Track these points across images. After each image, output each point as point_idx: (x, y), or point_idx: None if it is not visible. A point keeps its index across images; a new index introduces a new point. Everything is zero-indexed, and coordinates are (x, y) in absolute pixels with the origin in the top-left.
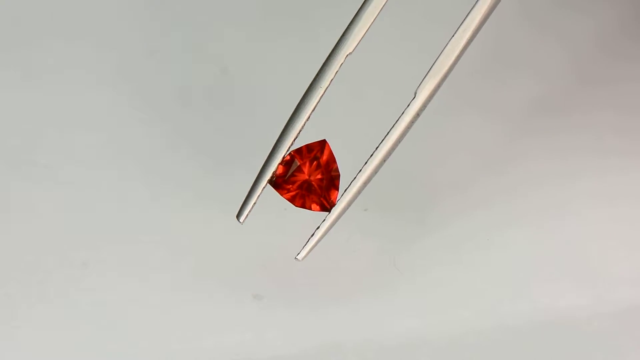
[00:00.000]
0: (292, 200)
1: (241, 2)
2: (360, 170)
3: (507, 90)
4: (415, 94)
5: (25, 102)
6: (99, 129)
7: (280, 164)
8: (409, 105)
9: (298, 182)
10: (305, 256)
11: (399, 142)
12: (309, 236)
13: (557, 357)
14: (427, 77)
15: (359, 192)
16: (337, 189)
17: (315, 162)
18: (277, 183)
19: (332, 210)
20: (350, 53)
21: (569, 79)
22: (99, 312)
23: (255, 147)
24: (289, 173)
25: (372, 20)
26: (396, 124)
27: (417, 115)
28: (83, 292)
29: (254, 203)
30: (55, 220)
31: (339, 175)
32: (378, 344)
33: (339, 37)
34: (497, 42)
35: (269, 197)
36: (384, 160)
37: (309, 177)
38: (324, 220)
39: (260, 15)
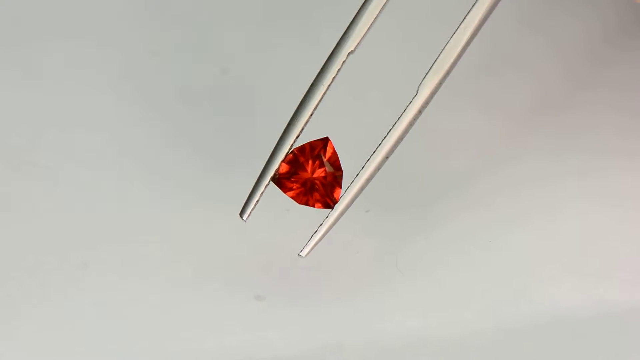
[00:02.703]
0: (295, 197)
1: (242, 2)
2: (363, 168)
3: (510, 90)
4: (417, 90)
5: (25, 102)
6: (100, 129)
7: (283, 161)
8: (411, 102)
9: (301, 180)
10: (308, 253)
11: (402, 139)
12: (312, 233)
13: (558, 358)
14: (429, 74)
15: (361, 189)
16: (340, 187)
17: (318, 160)
18: (280, 181)
19: (335, 207)
20: (352, 51)
21: (572, 79)
22: (99, 312)
23: (255, 147)
24: (292, 171)
25: (374, 18)
26: (399, 121)
27: (420, 112)
28: (83, 292)
29: (257, 200)
30: (56, 220)
31: (342, 173)
32: (379, 344)
33: (341, 35)
34: (501, 42)
35: (270, 198)
36: (386, 157)
37: (311, 175)
38: (327, 217)
39: (261, 15)
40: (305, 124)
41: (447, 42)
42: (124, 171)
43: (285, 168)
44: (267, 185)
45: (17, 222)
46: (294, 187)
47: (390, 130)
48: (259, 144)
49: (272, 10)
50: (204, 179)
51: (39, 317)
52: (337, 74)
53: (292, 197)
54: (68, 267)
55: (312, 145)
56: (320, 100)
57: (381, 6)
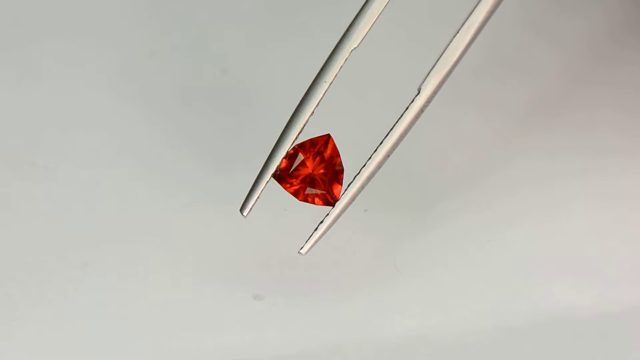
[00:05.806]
0: (295, 194)
1: (242, 2)
2: (364, 166)
3: (508, 89)
4: (420, 89)
5: (25, 102)
6: (99, 129)
7: (284, 158)
8: (413, 100)
9: (302, 176)
10: (308, 250)
11: (403, 137)
12: (312, 231)
13: (557, 358)
14: (431, 72)
15: (362, 187)
16: (341, 184)
17: (319, 157)
18: (281, 177)
19: (335, 205)
20: (355, 48)
21: (570, 79)
22: (99, 312)
23: (255, 147)
24: (293, 167)
25: (378, 14)
26: (400, 120)
27: (421, 110)
28: (83, 292)
29: (258, 197)
30: (55, 220)
31: (342, 170)
32: (378, 344)
33: (344, 31)
34: (499, 41)
35: (269, 197)
36: (387, 156)
37: (312, 172)
38: (328, 214)
39: (261, 14)
40: (306, 121)
41: (450, 41)
42: (123, 171)
43: (286, 164)
44: (267, 181)
45: (17, 222)
46: (295, 183)
47: (391, 129)
48: (258, 144)
49: (272, 10)
50: (204, 179)
51: (38, 317)
52: (339, 70)
53: (292, 194)
54: (68, 267)
55: (313, 141)
56: (322, 98)
57: (385, 2)
